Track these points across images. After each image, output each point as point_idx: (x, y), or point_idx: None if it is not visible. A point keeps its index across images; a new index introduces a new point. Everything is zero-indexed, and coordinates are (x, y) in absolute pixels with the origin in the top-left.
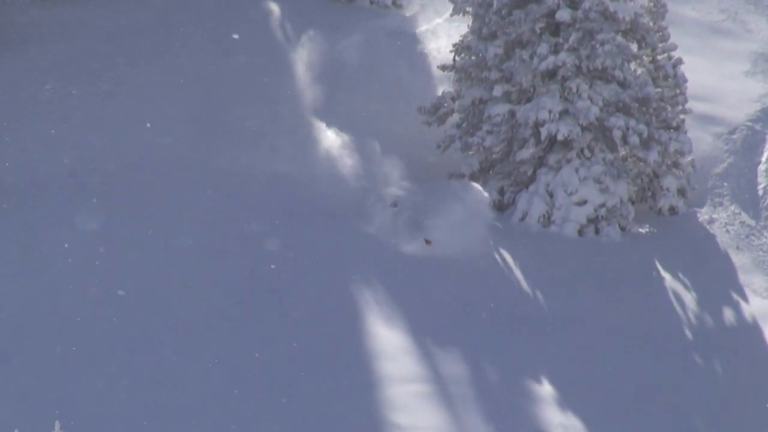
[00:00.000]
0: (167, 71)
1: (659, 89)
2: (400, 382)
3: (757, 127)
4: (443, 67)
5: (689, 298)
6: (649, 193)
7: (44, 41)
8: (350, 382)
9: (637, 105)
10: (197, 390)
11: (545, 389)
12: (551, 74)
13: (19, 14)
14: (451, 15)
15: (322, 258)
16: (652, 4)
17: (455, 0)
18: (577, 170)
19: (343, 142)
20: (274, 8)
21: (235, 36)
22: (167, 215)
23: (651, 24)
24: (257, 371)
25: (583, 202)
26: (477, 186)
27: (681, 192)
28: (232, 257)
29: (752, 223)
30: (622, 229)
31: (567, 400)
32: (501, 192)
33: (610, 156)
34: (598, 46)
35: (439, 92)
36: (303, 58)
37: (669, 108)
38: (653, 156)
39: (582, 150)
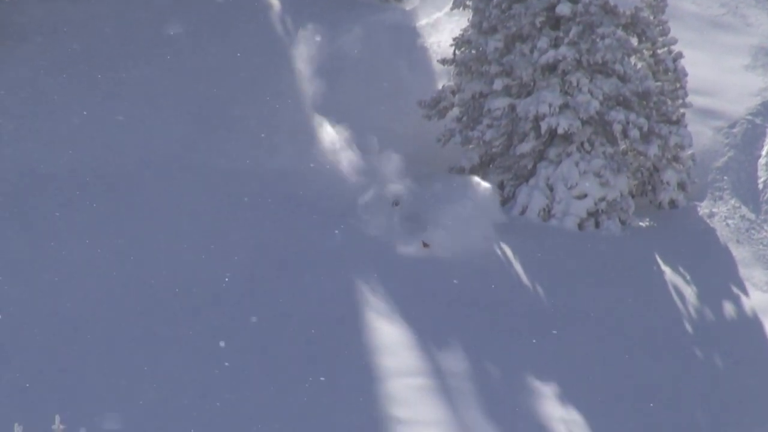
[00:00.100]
0: (167, 68)
1: (659, 83)
2: (400, 376)
3: (758, 120)
4: (443, 61)
5: (689, 292)
6: (650, 187)
7: (44, 40)
8: (350, 376)
9: (637, 99)
10: (197, 386)
11: (545, 384)
12: (551, 68)
13: (18, 13)
14: (452, 9)
15: (322, 256)
16: None
17: None
18: (577, 164)
19: (343, 137)
20: (274, 2)
21: (235, 31)
22: (166, 214)
23: (651, 18)
24: (257, 366)
25: (584, 196)
26: (484, 183)
27: (681, 186)
28: (232, 254)
29: (752, 216)
30: (623, 222)
31: (567, 395)
32: (501, 186)
33: (610, 150)
34: (598, 40)
35: (440, 86)
36: (303, 53)
37: (669, 102)
38: (653, 150)
39: (582, 144)
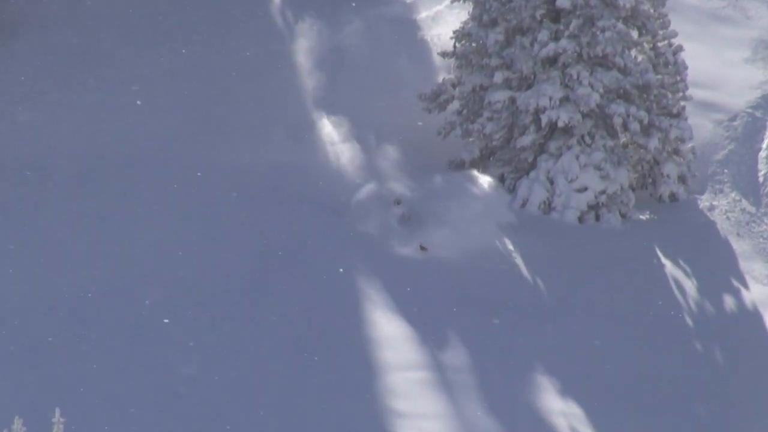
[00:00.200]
0: (166, 60)
1: (660, 76)
2: (400, 370)
3: (758, 113)
4: (444, 54)
5: (689, 285)
6: (650, 180)
7: (43, 30)
8: (350, 370)
9: (637, 92)
10: (197, 381)
11: (545, 377)
12: (552, 61)
13: (12, 7)
14: (452, 1)
15: (321, 252)
16: None
17: None
18: (577, 157)
19: (343, 131)
20: None
21: (234, 25)
22: (162, 209)
23: (651, 11)
24: (257, 360)
25: (584, 189)
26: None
27: (681, 179)
28: (230, 249)
29: (753, 209)
30: (623, 215)
31: (567, 388)
32: (501, 179)
33: (610, 143)
34: (598, 32)
35: (440, 79)
36: (303, 46)
37: (669, 95)
38: (654, 143)
39: (582, 137)
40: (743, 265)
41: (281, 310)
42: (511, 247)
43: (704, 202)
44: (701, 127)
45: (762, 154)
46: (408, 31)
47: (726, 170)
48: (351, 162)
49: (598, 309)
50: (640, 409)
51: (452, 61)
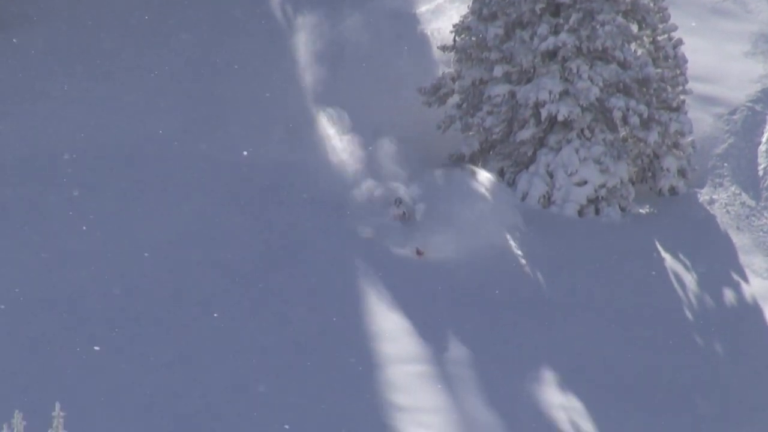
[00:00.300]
0: (162, 56)
1: (659, 70)
2: (400, 363)
3: (758, 107)
4: (443, 48)
5: (689, 279)
6: (650, 174)
7: (44, 26)
8: (350, 363)
9: (637, 86)
10: (197, 375)
11: (545, 371)
12: (551, 55)
13: (14, 1)
14: None
15: (320, 247)
16: None
17: None
18: (577, 151)
19: (342, 126)
20: None
21: (234, 18)
22: (160, 206)
23: (651, 5)
24: (257, 355)
25: (584, 183)
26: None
27: (681, 172)
28: (231, 246)
29: (752, 203)
30: (623, 209)
31: (567, 382)
32: (501, 173)
33: (610, 136)
34: (598, 26)
35: (440, 73)
36: (302, 40)
37: (669, 89)
38: (653, 136)
39: (582, 130)
40: (743, 258)
41: (281, 306)
42: (510, 241)
43: (704, 195)
44: (701, 120)
45: (762, 147)
46: (407, 24)
47: (726, 164)
48: (351, 157)
49: (597, 303)
50: (640, 403)
51: (452, 55)
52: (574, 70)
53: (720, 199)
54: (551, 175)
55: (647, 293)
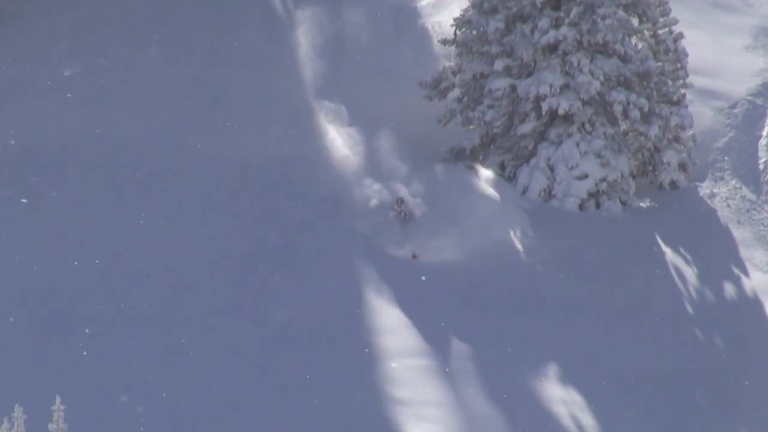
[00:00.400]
0: (161, 49)
1: (660, 63)
2: (400, 357)
3: (758, 101)
4: (444, 42)
5: (690, 273)
6: (650, 168)
7: (43, 16)
8: (350, 357)
9: (638, 79)
10: (197, 371)
11: (546, 365)
12: (552, 48)
13: None
14: None
15: (319, 244)
16: None
17: None
18: (577, 144)
19: (343, 121)
20: None
21: (233, 12)
22: (157, 201)
23: None
24: (256, 349)
25: (584, 177)
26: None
27: (682, 166)
28: (228, 239)
29: (753, 197)
30: (623, 203)
31: (568, 376)
32: (502, 166)
33: (610, 130)
34: (599, 20)
35: (440, 66)
36: (302, 33)
37: (670, 82)
38: (654, 130)
39: (583, 124)
40: (744, 252)
41: (281, 300)
42: (510, 236)
43: (705, 189)
44: (702, 114)
45: (762, 141)
46: (408, 18)
47: (726, 158)
48: (351, 152)
49: (598, 297)
50: (640, 397)
51: (452, 49)
52: (575, 64)
53: (721, 193)
54: (552, 169)
55: (648, 287)
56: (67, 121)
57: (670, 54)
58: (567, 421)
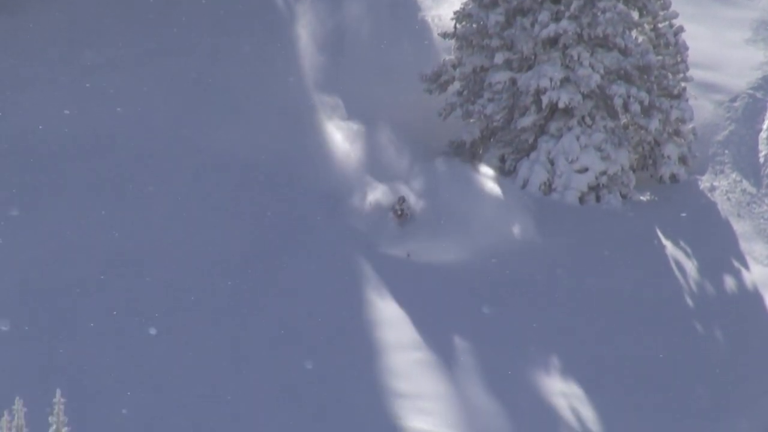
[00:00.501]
0: (160, 44)
1: (660, 57)
2: (400, 350)
3: (758, 94)
4: (444, 35)
5: (690, 266)
6: (650, 161)
7: (42, 11)
8: (351, 350)
9: (638, 73)
10: (196, 366)
11: (545, 357)
12: (552, 42)
13: None
14: None
15: (321, 244)
16: None
17: None
18: (578, 138)
19: (343, 115)
20: None
21: (233, 6)
22: (153, 195)
23: None
24: (256, 343)
25: (584, 170)
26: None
27: (682, 160)
28: (228, 235)
29: (753, 190)
30: (623, 196)
31: (568, 369)
32: (502, 160)
33: (611, 124)
34: (599, 13)
35: (441, 60)
36: (302, 28)
37: (670, 76)
38: (654, 124)
39: (583, 118)
40: (744, 245)
41: (281, 294)
42: (510, 229)
43: (705, 183)
44: (702, 108)
45: (763, 134)
46: (408, 11)
47: (727, 151)
48: (351, 146)
49: (598, 289)
50: (640, 390)
51: (453, 42)
52: (575, 57)
53: (721, 186)
54: (552, 163)
55: (648, 280)
56: (65, 117)
57: (670, 47)
58: (567, 414)
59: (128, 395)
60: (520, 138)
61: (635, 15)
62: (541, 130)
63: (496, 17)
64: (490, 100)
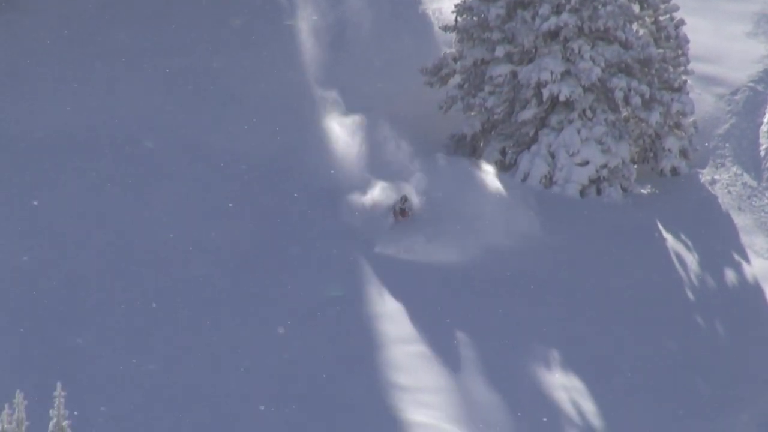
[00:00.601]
0: (160, 38)
1: (661, 50)
2: (401, 344)
3: (759, 88)
4: (445, 28)
5: (691, 259)
6: (651, 154)
7: (43, 6)
8: (351, 344)
9: (639, 66)
10: (197, 362)
11: (546, 351)
12: (553, 35)
13: None
14: None
15: (321, 241)
16: None
17: None
18: (578, 131)
19: (343, 109)
20: None
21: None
22: (153, 191)
23: None
24: (257, 337)
25: (585, 163)
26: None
27: (683, 153)
28: (229, 229)
29: (754, 184)
30: (624, 189)
31: (568, 362)
32: (503, 153)
33: (611, 117)
34: (600, 6)
35: (441, 53)
36: (303, 21)
37: (671, 69)
38: (655, 117)
39: (584, 111)
40: (744, 239)
41: (281, 290)
42: (511, 221)
43: (705, 176)
44: (703, 101)
45: (763, 128)
46: (409, 5)
47: (727, 144)
48: (352, 140)
49: (599, 282)
50: (640, 383)
51: (453, 35)
52: (576, 51)
53: (721, 180)
54: (553, 156)
55: (648, 273)
56: (65, 114)
57: (671, 40)
58: (567, 407)
59: (128, 391)
60: (520, 131)
61: (636, 8)
62: (541, 123)
63: (496, 10)
64: (491, 93)
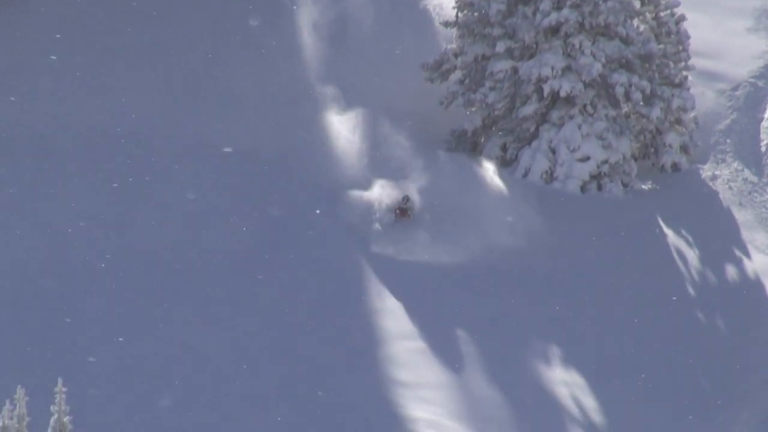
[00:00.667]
0: (159, 33)
1: (662, 46)
2: (402, 340)
3: (760, 83)
4: (446, 24)
5: (692, 255)
6: (652, 150)
7: (43, 5)
8: (352, 340)
9: (639, 61)
10: (197, 359)
11: (547, 346)
12: (554, 30)
13: None
14: None
15: (321, 239)
16: None
17: None
18: (579, 126)
19: (345, 105)
20: None
21: None
22: (153, 188)
23: None
24: (258, 333)
25: (586, 159)
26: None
27: (684, 148)
28: (229, 227)
29: (755, 179)
30: (625, 185)
31: (569, 358)
32: (504, 148)
33: (612, 112)
34: (600, 2)
35: (442, 49)
36: (304, 17)
37: (672, 64)
38: (656, 112)
39: (585, 106)
40: (745, 234)
41: (281, 288)
42: (512, 216)
43: (706, 171)
44: (703, 96)
45: (764, 123)
46: (409, 1)
47: (728, 140)
48: (353, 137)
49: (599, 278)
50: (641, 378)
51: (454, 31)
52: (577, 46)
53: (722, 175)
54: (554, 151)
55: (649, 269)
56: (65, 112)
57: (671, 36)
58: (568, 403)
59: (128, 391)
60: (521, 127)
61: (637, 4)
62: (542, 118)
63: (497, 6)
64: (492, 88)
